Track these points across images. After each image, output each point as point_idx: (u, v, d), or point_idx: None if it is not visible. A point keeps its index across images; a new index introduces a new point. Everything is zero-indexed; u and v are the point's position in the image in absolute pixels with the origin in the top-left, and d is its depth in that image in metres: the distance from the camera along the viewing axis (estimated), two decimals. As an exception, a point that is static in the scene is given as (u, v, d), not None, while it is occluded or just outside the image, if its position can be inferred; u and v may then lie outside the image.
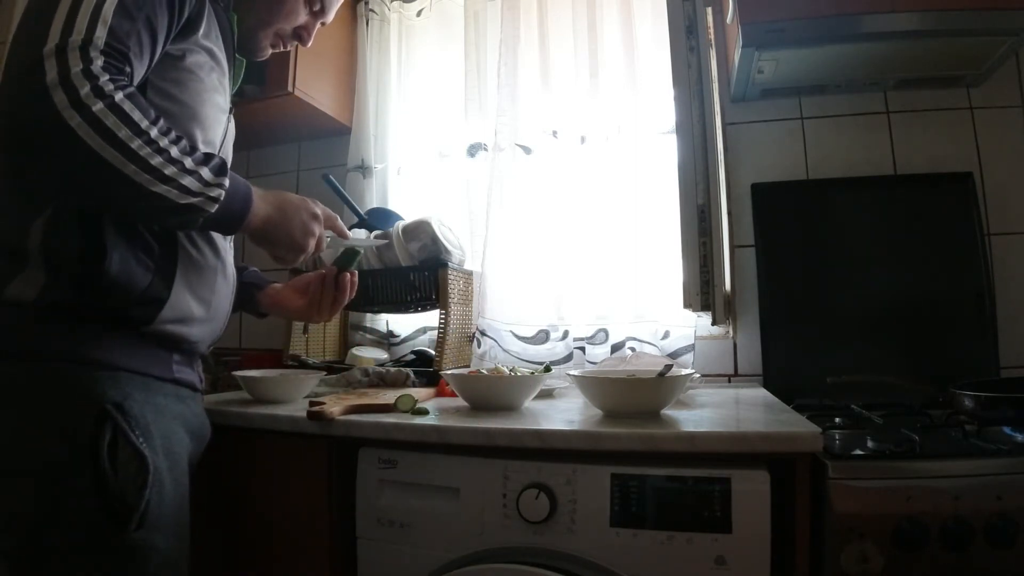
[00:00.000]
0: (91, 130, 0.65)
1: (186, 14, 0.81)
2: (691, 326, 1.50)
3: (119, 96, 0.68)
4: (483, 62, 1.76)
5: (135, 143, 0.68)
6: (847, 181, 1.50)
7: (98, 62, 0.67)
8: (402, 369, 1.39)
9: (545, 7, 1.68)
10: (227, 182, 0.77)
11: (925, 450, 0.88)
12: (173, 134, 0.73)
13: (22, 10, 0.79)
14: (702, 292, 1.38)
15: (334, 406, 1.04)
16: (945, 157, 1.47)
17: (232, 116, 0.99)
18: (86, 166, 0.67)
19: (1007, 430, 0.96)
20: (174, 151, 0.72)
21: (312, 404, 1.05)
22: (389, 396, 1.15)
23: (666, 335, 1.50)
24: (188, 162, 0.73)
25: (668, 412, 1.02)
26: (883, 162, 1.50)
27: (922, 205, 1.43)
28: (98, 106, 0.66)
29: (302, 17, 1.03)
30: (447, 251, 1.47)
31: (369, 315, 1.77)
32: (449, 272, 1.46)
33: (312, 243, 0.91)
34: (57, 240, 0.75)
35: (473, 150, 1.77)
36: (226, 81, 0.92)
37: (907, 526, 0.79)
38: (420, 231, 1.47)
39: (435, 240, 1.45)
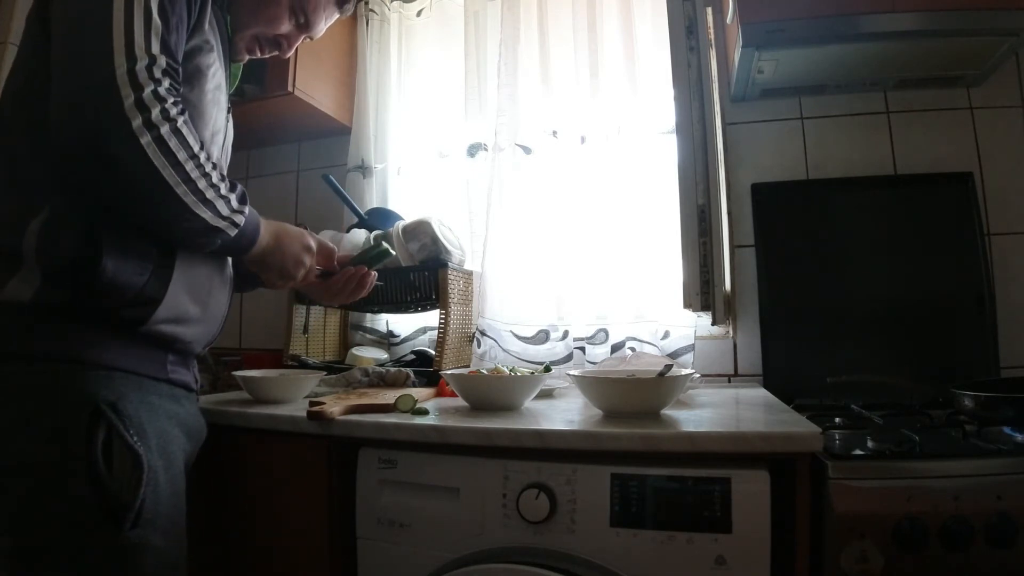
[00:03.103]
0: (157, 149, 0.71)
1: (196, 12, 0.82)
2: (691, 326, 1.50)
3: (180, 120, 0.73)
4: (483, 62, 1.76)
5: (188, 165, 0.74)
6: (847, 181, 1.50)
7: (165, 83, 0.72)
8: (402, 369, 1.39)
9: (545, 7, 1.68)
10: (247, 210, 0.84)
11: (925, 450, 0.88)
12: (212, 159, 0.78)
13: (23, 11, 0.80)
14: (702, 292, 1.38)
15: (334, 406, 1.04)
16: (945, 157, 1.47)
17: (231, 116, 0.99)
18: (146, 182, 0.72)
19: (1007, 430, 0.96)
20: (214, 176, 0.78)
21: (312, 404, 1.05)
22: (389, 396, 1.15)
23: (666, 335, 1.50)
24: (223, 187, 0.79)
25: (668, 412, 1.02)
26: (883, 162, 1.50)
27: (922, 205, 1.43)
28: (164, 128, 0.71)
29: (285, 26, 1.02)
30: (447, 251, 1.47)
31: (369, 315, 1.77)
32: (449, 272, 1.46)
33: (301, 273, 0.98)
34: (53, 241, 0.75)
35: (473, 150, 1.77)
36: (224, 81, 0.93)
37: (907, 526, 0.79)
38: (420, 231, 1.47)
39: (435, 240, 1.45)
